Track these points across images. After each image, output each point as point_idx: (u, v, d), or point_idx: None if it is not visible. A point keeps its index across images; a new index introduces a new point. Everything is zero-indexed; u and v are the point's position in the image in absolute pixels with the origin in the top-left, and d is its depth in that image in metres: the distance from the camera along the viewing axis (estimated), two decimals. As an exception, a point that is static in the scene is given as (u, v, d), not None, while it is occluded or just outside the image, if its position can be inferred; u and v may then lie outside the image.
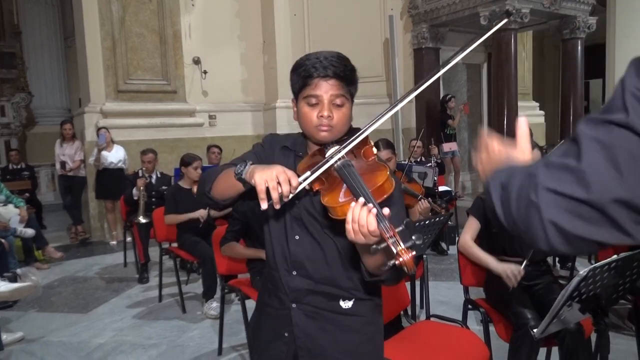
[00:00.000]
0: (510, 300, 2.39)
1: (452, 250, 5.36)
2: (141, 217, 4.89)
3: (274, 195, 1.10)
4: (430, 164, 5.02)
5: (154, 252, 5.14)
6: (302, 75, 1.31)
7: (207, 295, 3.90)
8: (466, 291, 2.76)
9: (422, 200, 3.36)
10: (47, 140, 11.22)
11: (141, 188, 4.92)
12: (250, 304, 3.02)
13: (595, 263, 1.61)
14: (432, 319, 2.50)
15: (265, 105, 8.15)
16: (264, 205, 1.12)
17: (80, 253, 6.18)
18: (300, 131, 1.43)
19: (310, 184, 1.20)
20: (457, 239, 5.47)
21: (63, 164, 6.53)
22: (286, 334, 1.42)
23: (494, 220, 0.74)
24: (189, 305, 4.09)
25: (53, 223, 7.94)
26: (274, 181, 1.11)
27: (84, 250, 6.36)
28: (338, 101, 1.30)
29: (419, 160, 5.80)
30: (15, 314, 4.04)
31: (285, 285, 1.40)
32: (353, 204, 1.07)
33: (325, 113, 1.28)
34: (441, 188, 5.54)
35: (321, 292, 1.37)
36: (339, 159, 1.21)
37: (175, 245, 4.36)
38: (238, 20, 7.95)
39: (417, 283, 3.40)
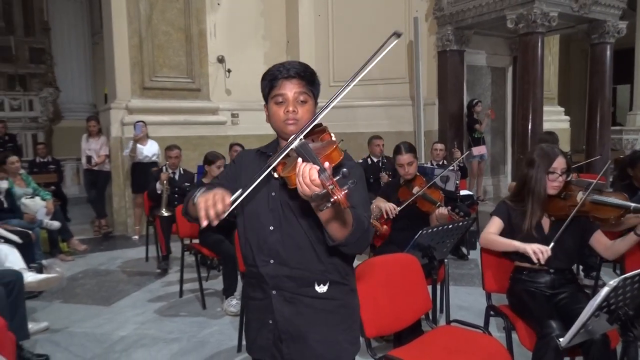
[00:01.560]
0: (534, 308, 2.37)
1: (473, 255, 5.31)
2: (164, 210, 4.96)
3: (211, 213, 1.26)
4: (452, 167, 4.98)
5: (175, 248, 5.22)
6: (269, 79, 1.52)
7: (228, 292, 3.94)
8: (488, 297, 2.74)
9: (441, 207, 3.34)
10: (73, 134, 11.45)
11: (164, 182, 4.99)
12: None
13: (621, 273, 1.59)
14: (453, 324, 2.48)
15: (288, 105, 8.17)
16: (204, 223, 1.27)
17: (103, 246, 6.29)
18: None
19: (276, 170, 1.38)
20: (477, 243, 5.44)
21: (89, 158, 6.65)
22: (270, 322, 1.55)
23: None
24: (209, 301, 4.13)
25: (77, 216, 8.09)
26: (209, 201, 1.26)
27: (106, 243, 6.47)
28: (302, 98, 1.50)
29: (440, 163, 5.76)
30: (40, 304, 4.13)
31: (264, 275, 1.52)
32: (299, 161, 1.24)
33: (291, 108, 1.48)
34: (463, 192, 5.49)
35: (297, 277, 1.51)
36: (298, 142, 1.36)
37: (196, 241, 4.42)
38: (262, 20, 8.00)
39: (437, 287, 3.37)
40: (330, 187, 1.16)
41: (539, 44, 6.23)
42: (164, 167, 5.30)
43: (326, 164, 1.22)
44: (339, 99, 1.47)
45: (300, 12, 7.76)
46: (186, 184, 5.28)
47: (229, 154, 6.04)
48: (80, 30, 12.48)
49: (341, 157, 1.35)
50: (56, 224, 5.36)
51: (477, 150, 7.26)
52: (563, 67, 12.23)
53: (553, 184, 2.42)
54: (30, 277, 3.22)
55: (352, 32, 7.64)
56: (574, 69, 14.85)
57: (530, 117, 6.33)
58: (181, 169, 5.42)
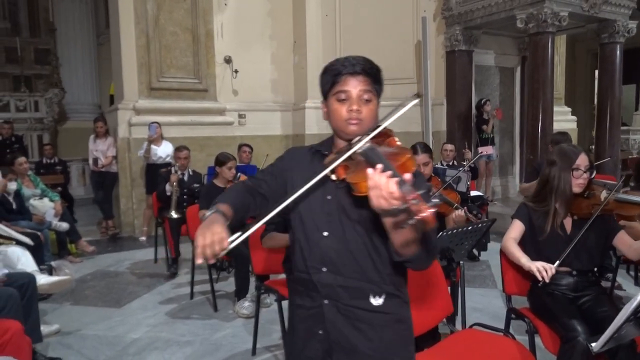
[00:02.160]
0: (557, 311, 2.33)
1: (484, 256, 5.27)
2: (173, 212, 4.93)
3: (208, 252, 1.22)
4: (462, 168, 4.94)
5: (183, 249, 5.20)
6: (332, 74, 1.41)
7: (240, 294, 3.90)
8: (508, 300, 2.69)
9: (458, 209, 3.29)
10: (78, 135, 11.45)
11: (174, 183, 4.97)
12: (287, 305, 3.02)
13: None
14: (475, 327, 2.44)
15: (294, 106, 8.15)
16: (199, 261, 1.23)
17: (110, 248, 6.27)
18: (324, 139, 1.56)
19: (336, 172, 1.30)
20: (488, 244, 5.40)
21: (96, 160, 6.63)
22: (320, 332, 1.46)
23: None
24: (220, 303, 4.10)
25: (83, 217, 8.06)
26: (207, 240, 1.22)
27: (114, 245, 6.45)
28: (366, 96, 1.39)
29: (450, 164, 5.72)
30: (50, 307, 4.10)
31: (316, 283, 1.44)
32: (369, 171, 1.14)
33: (355, 107, 1.37)
34: (473, 193, 5.45)
35: (351, 287, 1.41)
36: (364, 145, 1.29)
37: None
38: (269, 20, 7.97)
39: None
40: (414, 202, 1.04)
41: (549, 44, 6.19)
42: (172, 169, 5.27)
43: (407, 176, 1.11)
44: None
45: (307, 12, 7.73)
46: (195, 184, 5.26)
47: (237, 154, 6.01)
48: (85, 31, 12.49)
49: (415, 168, 1.24)
50: (65, 226, 5.34)
51: (483, 150, 7.21)
52: (569, 67, 12.18)
53: (578, 181, 2.38)
54: (42, 279, 3.19)
55: (360, 32, 7.61)
56: (579, 69, 14.79)
57: (540, 117, 6.29)
58: (190, 170, 5.39)
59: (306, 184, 1.29)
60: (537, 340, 2.41)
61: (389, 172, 1.10)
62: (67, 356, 3.18)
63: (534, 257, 2.50)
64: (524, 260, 2.35)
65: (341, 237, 1.40)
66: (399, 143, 1.33)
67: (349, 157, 1.28)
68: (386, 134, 1.34)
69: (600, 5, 6.45)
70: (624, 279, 4.40)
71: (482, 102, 7.43)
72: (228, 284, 4.67)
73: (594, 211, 2.33)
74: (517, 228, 2.50)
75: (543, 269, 2.24)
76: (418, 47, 7.55)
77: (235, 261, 3.92)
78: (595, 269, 2.53)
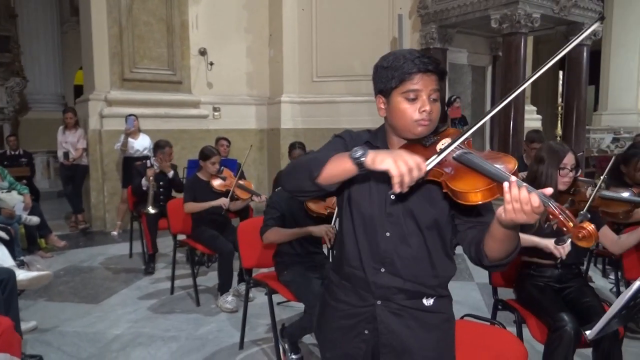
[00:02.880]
0: (544, 302, 2.42)
1: (459, 250, 5.38)
2: (150, 207, 4.83)
3: (407, 179, 1.11)
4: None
5: (160, 244, 5.11)
6: (400, 69, 1.30)
7: (223, 288, 3.87)
8: (495, 292, 2.78)
9: None
10: (41, 126, 11.07)
11: (150, 178, 4.86)
12: (276, 298, 3.03)
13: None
14: (466, 318, 2.50)
15: (270, 100, 8.11)
16: (398, 189, 1.12)
17: (82, 242, 6.10)
18: (368, 130, 1.48)
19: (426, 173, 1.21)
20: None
21: (66, 153, 6.41)
22: (366, 331, 1.43)
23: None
24: (202, 298, 4.05)
25: (49, 211, 7.72)
26: (407, 165, 1.11)
27: (85, 239, 6.28)
28: (434, 96, 1.32)
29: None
30: (24, 303, 3.95)
31: (371, 283, 1.40)
32: (505, 185, 1.09)
33: (428, 108, 1.30)
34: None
35: (409, 290, 1.40)
36: (456, 148, 1.25)
37: (182, 237, 4.34)
38: (245, 13, 7.89)
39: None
40: (562, 216, 1.02)
41: (522, 44, 6.36)
42: (148, 162, 5.16)
43: (548, 190, 1.08)
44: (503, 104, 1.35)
45: (283, 6, 7.68)
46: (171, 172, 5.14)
47: (214, 147, 5.93)
48: (48, 18, 12.06)
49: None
50: (35, 219, 5.16)
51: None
52: (533, 68, 12.57)
53: (564, 179, 2.47)
54: (21, 274, 3.08)
55: (336, 28, 7.63)
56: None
57: (512, 116, 6.47)
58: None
59: (364, 178, 1.28)
60: (524, 330, 2.50)
61: (525, 184, 1.08)
62: (47, 353, 3.09)
63: (523, 251, 2.58)
64: (536, 239, 2.39)
65: (404, 240, 1.37)
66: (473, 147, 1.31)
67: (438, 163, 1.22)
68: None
69: (569, 8, 6.68)
70: (592, 272, 4.60)
71: (452, 99, 7.50)
72: (207, 279, 4.63)
73: (579, 208, 2.43)
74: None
75: (560, 247, 2.29)
76: (394, 43, 7.62)
77: (219, 256, 3.88)
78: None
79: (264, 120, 8.15)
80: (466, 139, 1.29)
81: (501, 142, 6.73)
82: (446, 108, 7.52)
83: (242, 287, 3.99)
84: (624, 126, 12.15)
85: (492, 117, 7.29)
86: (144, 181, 4.91)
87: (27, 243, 5.28)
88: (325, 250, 3.19)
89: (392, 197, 1.33)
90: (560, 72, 7.72)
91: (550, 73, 15.20)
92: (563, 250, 2.30)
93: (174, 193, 5.16)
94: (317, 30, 7.80)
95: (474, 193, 1.15)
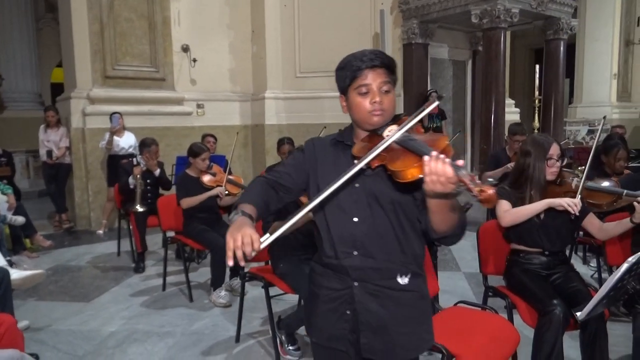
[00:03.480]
0: (534, 287, 2.52)
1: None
2: (138, 205, 4.82)
3: (238, 253, 1.23)
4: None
5: (149, 241, 5.10)
6: (351, 68, 1.45)
7: (216, 284, 3.90)
8: (485, 279, 2.87)
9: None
10: (18, 125, 10.85)
11: (138, 176, 4.85)
12: (273, 291, 3.08)
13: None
14: (459, 304, 2.60)
15: (253, 96, 8.11)
16: (230, 262, 1.25)
17: (67, 242, 6.04)
18: (339, 130, 1.61)
19: (369, 162, 1.35)
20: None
21: (49, 152, 6.33)
22: (348, 312, 1.53)
23: None
24: (194, 294, 4.06)
25: (30, 211, 7.57)
26: (238, 241, 1.24)
27: (70, 239, 6.21)
28: (386, 87, 1.45)
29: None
30: (14, 303, 3.85)
31: (347, 267, 1.50)
32: (425, 158, 1.21)
33: (377, 99, 1.43)
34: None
35: (381, 269, 1.49)
36: (400, 134, 1.36)
37: (172, 234, 4.35)
38: (227, 9, 7.86)
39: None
40: (472, 183, 1.13)
41: (502, 39, 6.50)
42: (134, 160, 5.14)
43: (460, 162, 1.20)
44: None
45: (265, 1, 7.67)
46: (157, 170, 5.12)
47: (203, 144, 5.93)
48: (23, 14, 11.77)
49: (453, 152, 1.29)
50: (21, 219, 5.09)
51: None
52: (510, 62, 12.81)
53: (551, 170, 2.57)
54: (15, 274, 3.06)
55: (319, 23, 7.66)
56: (518, 63, 15.57)
57: (493, 109, 6.61)
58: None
59: (337, 174, 1.33)
60: (514, 314, 2.60)
61: (445, 158, 1.18)
62: (42, 352, 3.09)
63: (512, 239, 2.69)
64: (541, 205, 2.48)
65: (371, 222, 1.47)
66: (423, 130, 1.41)
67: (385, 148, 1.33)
68: (412, 127, 1.41)
69: (546, 3, 6.84)
70: (574, 259, 4.75)
71: (428, 93, 7.54)
72: (198, 275, 4.65)
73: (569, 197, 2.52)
74: (506, 204, 2.61)
75: (573, 204, 2.39)
76: (376, 39, 7.70)
77: (211, 251, 3.90)
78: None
79: (248, 116, 8.16)
80: (408, 129, 1.38)
81: (483, 135, 6.87)
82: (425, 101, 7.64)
83: (235, 282, 4.02)
84: (598, 118, 12.46)
85: (473, 111, 7.44)
86: (131, 179, 4.90)
87: (12, 243, 5.21)
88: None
89: (357, 185, 1.46)
90: (537, 66, 7.91)
91: (527, 67, 15.45)
92: (575, 208, 2.39)
93: (161, 190, 5.16)
94: (299, 26, 7.83)
95: (407, 170, 1.27)
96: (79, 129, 6.57)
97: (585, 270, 4.54)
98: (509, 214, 2.57)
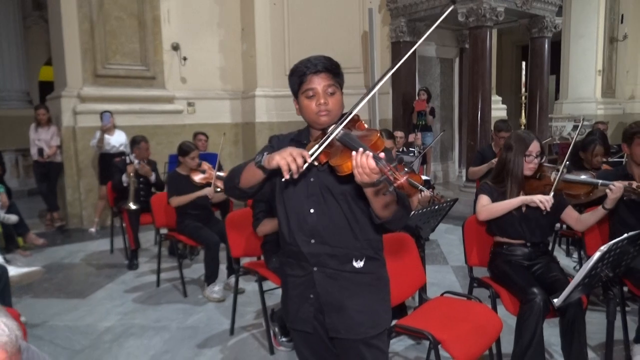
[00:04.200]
0: (516, 278, 2.63)
1: (432, 236, 5.63)
2: (131, 203, 4.88)
3: (293, 167, 1.39)
4: (421, 153, 5.26)
5: (142, 239, 5.17)
6: (298, 75, 1.60)
7: (210, 279, 3.98)
8: (470, 271, 2.98)
9: (425, 191, 3.55)
10: (6, 124, 10.83)
11: (131, 174, 4.91)
12: (266, 286, 3.17)
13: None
14: (445, 294, 2.71)
15: (244, 94, 8.17)
16: (287, 175, 1.39)
17: (59, 240, 6.07)
18: (298, 129, 1.76)
19: (318, 158, 1.48)
20: (437, 226, 5.77)
21: (40, 150, 6.35)
22: (311, 295, 1.67)
23: None
24: (188, 289, 4.15)
25: (21, 210, 7.65)
26: (290, 157, 1.40)
27: (62, 237, 6.25)
28: (330, 90, 1.58)
29: (401, 150, 6.03)
30: (9, 300, 3.98)
31: (306, 254, 1.64)
32: (353, 154, 1.35)
33: (322, 101, 1.57)
34: (422, 177, 5.80)
35: (337, 255, 1.63)
36: (339, 132, 1.50)
37: (165, 231, 4.42)
38: (217, 7, 7.91)
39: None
40: (391, 173, 1.27)
41: (488, 37, 6.63)
42: (127, 158, 5.19)
43: (382, 154, 1.33)
44: (373, 92, 1.65)
45: (255, 0, 7.74)
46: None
47: (192, 142, 5.99)
48: (10, 11, 11.71)
49: (384, 145, 1.47)
50: (14, 218, 5.14)
51: (412, 137, 7.45)
52: (497, 59, 12.98)
53: (529, 166, 2.69)
54: (12, 271, 3.12)
55: (308, 22, 7.75)
56: (505, 60, 15.76)
57: (480, 106, 6.74)
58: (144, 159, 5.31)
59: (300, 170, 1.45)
60: (498, 303, 2.72)
61: (368, 152, 1.32)
62: (40, 347, 3.12)
63: (495, 232, 2.80)
64: (515, 201, 2.60)
65: (325, 212, 1.61)
66: (366, 126, 1.56)
67: (329, 144, 1.47)
68: (355, 120, 1.56)
69: (531, 1, 6.99)
70: (557, 252, 4.89)
71: (418, 92, 7.69)
72: (192, 271, 4.72)
73: (545, 191, 2.65)
74: (485, 199, 2.74)
75: (545, 200, 2.52)
76: (364, 37, 7.80)
77: (206, 248, 3.98)
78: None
79: (239, 114, 8.22)
80: (351, 124, 1.54)
81: (470, 132, 7.01)
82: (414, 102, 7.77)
83: (232, 280, 4.09)
84: (584, 114, 12.66)
85: (460, 108, 7.59)
86: (124, 177, 4.95)
87: (4, 242, 5.24)
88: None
89: (312, 179, 1.61)
90: (524, 63, 8.05)
91: (514, 64, 15.61)
92: (547, 204, 2.51)
93: (153, 189, 5.21)
94: (289, 24, 7.90)
95: (344, 165, 1.40)
96: (70, 128, 6.59)
97: (568, 262, 4.69)
98: (486, 209, 2.70)
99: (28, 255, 5.32)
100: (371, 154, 1.32)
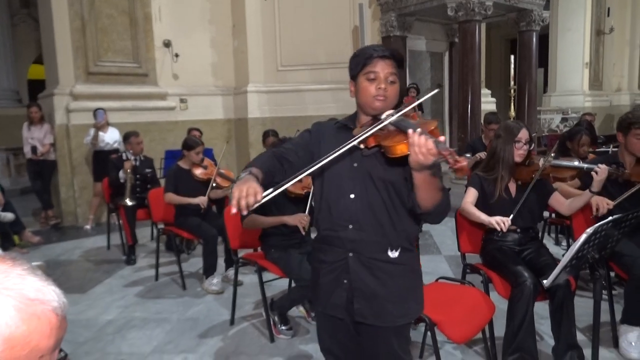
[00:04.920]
0: (506, 263, 2.73)
1: (426, 227, 5.74)
2: (128, 199, 4.93)
3: (242, 203, 1.36)
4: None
5: (139, 234, 5.21)
6: (364, 56, 1.60)
7: (208, 272, 4.04)
8: (463, 257, 3.08)
9: None
10: (-5, 123, 10.75)
11: (128, 170, 4.95)
12: (265, 277, 3.24)
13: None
14: (440, 280, 2.81)
15: (236, 90, 8.21)
16: (233, 210, 1.38)
17: (55, 238, 6.10)
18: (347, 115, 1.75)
19: (366, 141, 1.52)
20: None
21: (34, 148, 6.36)
22: (345, 281, 1.69)
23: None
24: (186, 282, 4.20)
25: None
26: (243, 192, 1.37)
27: (57, 235, 6.27)
28: (391, 78, 1.60)
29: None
30: (9, 297, 4.01)
31: (343, 239, 1.66)
32: (410, 131, 1.37)
33: (382, 85, 1.58)
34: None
35: (373, 242, 1.64)
36: (394, 118, 1.53)
37: (161, 226, 4.47)
38: (208, 4, 7.94)
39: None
40: (450, 156, 1.27)
41: (477, 31, 6.73)
42: (124, 155, 5.24)
43: (442, 137, 1.35)
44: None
45: (246, -4, 7.78)
46: (147, 170, 5.25)
47: (197, 137, 6.03)
48: (-2, 10, 11.64)
49: (439, 136, 1.43)
50: (10, 216, 5.16)
51: None
52: (486, 52, 13.10)
53: (519, 152, 2.79)
54: (15, 266, 3.16)
55: (299, 17, 7.79)
56: (494, 54, 15.91)
57: (470, 99, 6.85)
58: (141, 155, 5.36)
59: (336, 152, 1.50)
60: (490, 288, 2.81)
61: (426, 134, 1.35)
62: (44, 340, 3.20)
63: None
64: (483, 217, 2.72)
65: (366, 198, 1.61)
66: (418, 118, 1.59)
67: (380, 129, 1.51)
68: (410, 110, 1.59)
69: (519, -5, 7.10)
70: (546, 240, 5.01)
71: (407, 88, 7.75)
72: (189, 265, 4.78)
73: (534, 176, 2.75)
74: (471, 194, 2.86)
75: (501, 222, 2.63)
76: (355, 32, 7.87)
77: (205, 241, 4.04)
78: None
79: (231, 110, 8.26)
80: (407, 114, 1.56)
81: (460, 124, 7.11)
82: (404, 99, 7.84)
83: (231, 272, 4.16)
84: (571, 106, 12.86)
85: (451, 102, 7.68)
86: (121, 173, 4.99)
87: (0, 240, 5.26)
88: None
89: (355, 165, 1.61)
90: (512, 57, 8.18)
91: (503, 57, 15.74)
92: (504, 225, 2.63)
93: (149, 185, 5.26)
94: (280, 20, 7.94)
95: (397, 146, 1.43)
96: (63, 126, 6.61)
97: (557, 250, 4.80)
98: (466, 207, 2.81)
99: (24, 253, 5.34)
100: (432, 137, 1.33)
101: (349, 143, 1.51)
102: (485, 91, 10.73)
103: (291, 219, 3.07)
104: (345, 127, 1.70)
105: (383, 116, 1.58)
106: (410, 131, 1.36)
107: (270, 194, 1.45)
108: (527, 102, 7.89)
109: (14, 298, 0.71)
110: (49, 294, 0.76)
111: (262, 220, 3.09)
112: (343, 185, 1.64)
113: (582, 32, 13.15)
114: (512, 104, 8.28)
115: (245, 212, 1.38)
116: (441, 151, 1.30)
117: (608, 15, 13.75)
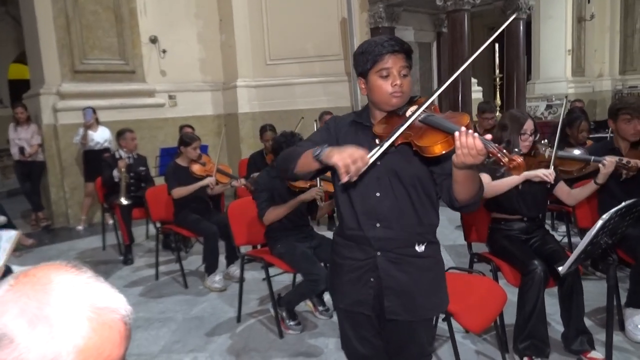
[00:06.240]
0: (515, 251, 2.76)
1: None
2: (123, 198, 4.86)
3: (352, 170, 1.34)
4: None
5: (136, 233, 5.15)
6: (374, 53, 1.56)
7: (210, 269, 4.02)
8: (470, 247, 3.10)
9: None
10: (-23, 125, 10.49)
11: (122, 169, 4.88)
12: (262, 275, 3.22)
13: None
14: (450, 270, 2.82)
15: (225, 85, 8.13)
16: (345, 179, 1.35)
17: (47, 240, 5.99)
18: (353, 111, 1.75)
19: (394, 140, 1.47)
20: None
21: (22, 149, 6.22)
22: (372, 279, 1.68)
23: None
24: (188, 280, 4.17)
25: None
26: (350, 159, 1.35)
27: (49, 237, 6.17)
28: (404, 72, 1.58)
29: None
30: (7, 302, 3.94)
31: (370, 238, 1.64)
32: (457, 134, 1.33)
33: (398, 82, 1.55)
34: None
35: (401, 239, 1.64)
36: (420, 114, 1.49)
37: (158, 225, 4.43)
38: (193, -2, 7.82)
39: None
40: (501, 155, 1.25)
41: (465, 20, 6.75)
42: (116, 153, 5.16)
43: (488, 136, 1.33)
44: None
45: (232, -11, 7.68)
46: (141, 168, 5.17)
47: (193, 133, 5.96)
48: (-26, 9, 11.33)
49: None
50: (2, 219, 5.03)
51: None
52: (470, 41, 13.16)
53: (524, 143, 2.80)
54: (17, 269, 3.10)
55: (286, 10, 7.71)
56: (477, 43, 15.94)
57: (460, 89, 6.87)
58: (134, 153, 5.29)
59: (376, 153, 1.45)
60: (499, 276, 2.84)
61: (474, 134, 1.30)
62: (48, 345, 3.15)
63: (493, 208, 2.91)
64: (518, 178, 2.67)
65: (392, 195, 1.61)
66: (438, 109, 1.58)
67: (408, 126, 1.47)
68: (430, 103, 1.55)
69: (506, -16, 7.13)
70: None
71: None
72: (188, 263, 4.72)
73: (543, 167, 2.76)
74: (486, 177, 2.83)
75: (548, 174, 2.62)
76: (343, 24, 7.82)
77: (206, 239, 4.00)
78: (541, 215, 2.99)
79: (220, 105, 8.18)
80: (428, 106, 1.53)
81: (451, 114, 7.13)
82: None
83: (232, 269, 4.14)
84: (555, 93, 13.01)
85: (441, 91, 7.70)
86: (115, 172, 4.92)
87: (-7, 244, 5.15)
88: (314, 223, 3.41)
89: (378, 163, 1.55)
90: (497, 45, 8.21)
91: (486, 46, 15.96)
92: (551, 177, 2.61)
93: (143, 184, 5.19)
94: (267, 13, 7.86)
95: (435, 146, 1.39)
96: (51, 126, 6.48)
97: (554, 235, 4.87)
98: (489, 186, 2.78)
99: (17, 256, 5.23)
100: (477, 134, 1.30)
101: (385, 143, 1.45)
102: (471, 80, 10.82)
103: (307, 195, 3.07)
104: (360, 125, 1.67)
105: (408, 113, 1.56)
106: (457, 134, 1.33)
107: (375, 154, 1.42)
108: (516, 90, 7.94)
109: (84, 307, 0.69)
110: (117, 302, 0.74)
111: (280, 209, 3.06)
112: (367, 183, 1.62)
113: (563, 19, 13.27)
114: (497, 92, 8.32)
115: (355, 179, 1.35)
116: (491, 150, 1.28)
117: (589, 2, 13.89)
